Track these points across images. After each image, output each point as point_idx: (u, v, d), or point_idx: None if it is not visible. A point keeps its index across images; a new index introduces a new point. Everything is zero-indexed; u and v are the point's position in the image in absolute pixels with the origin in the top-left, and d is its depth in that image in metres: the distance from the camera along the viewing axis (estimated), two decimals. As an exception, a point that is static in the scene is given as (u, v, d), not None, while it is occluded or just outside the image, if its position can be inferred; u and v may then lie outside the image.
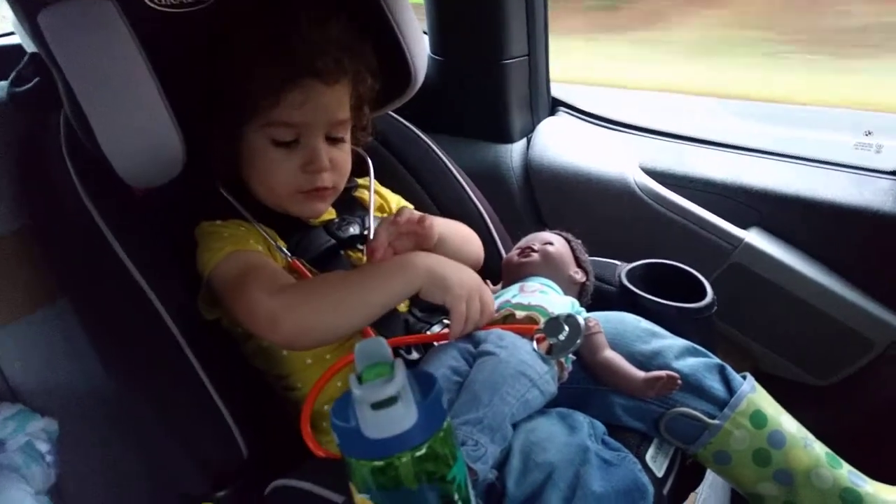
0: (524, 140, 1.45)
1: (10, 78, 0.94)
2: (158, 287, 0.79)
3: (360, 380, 0.53)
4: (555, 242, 0.98)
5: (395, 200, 1.06)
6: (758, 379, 0.88)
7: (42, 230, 0.87)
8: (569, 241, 1.00)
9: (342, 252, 0.93)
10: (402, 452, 0.48)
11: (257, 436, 0.83)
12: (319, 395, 0.82)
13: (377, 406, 0.47)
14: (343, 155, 0.90)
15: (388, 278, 0.79)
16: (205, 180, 0.89)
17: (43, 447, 0.84)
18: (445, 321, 0.87)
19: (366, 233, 0.95)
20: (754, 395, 0.85)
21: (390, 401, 0.47)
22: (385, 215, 1.02)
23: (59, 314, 0.89)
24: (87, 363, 0.87)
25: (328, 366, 0.79)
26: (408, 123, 1.15)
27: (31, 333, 0.89)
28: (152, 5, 0.90)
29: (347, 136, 0.91)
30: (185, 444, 0.79)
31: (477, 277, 0.83)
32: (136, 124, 0.75)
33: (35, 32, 0.73)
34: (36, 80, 0.92)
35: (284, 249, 0.87)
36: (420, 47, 1.04)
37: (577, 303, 0.89)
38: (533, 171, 1.40)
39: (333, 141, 0.88)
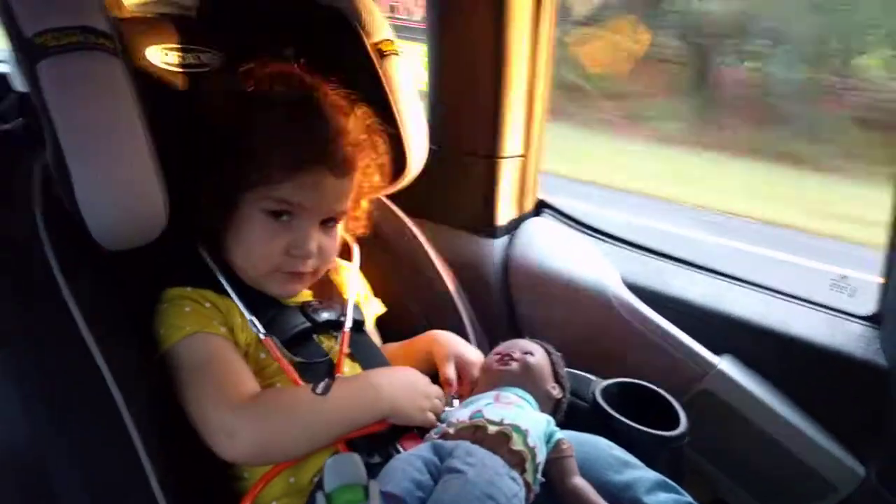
0: (507, 237, 1.45)
1: (-9, 115, 0.91)
2: (111, 357, 0.73)
3: (329, 501, 0.49)
4: (535, 353, 0.95)
5: (375, 302, 1.06)
6: None
7: None
8: (549, 354, 0.98)
9: (315, 336, 0.90)
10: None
11: None
12: (267, 489, 0.78)
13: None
14: (332, 243, 0.89)
15: (357, 410, 0.81)
16: (184, 242, 0.86)
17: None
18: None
19: (342, 319, 0.92)
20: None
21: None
22: (358, 300, 1.00)
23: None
24: (17, 423, 0.80)
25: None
26: (398, 211, 1.14)
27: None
28: (161, 64, 0.89)
29: (341, 225, 0.90)
30: None
31: (421, 382, 0.89)
32: (122, 186, 0.72)
33: (32, 79, 0.70)
34: (19, 119, 0.89)
35: (258, 325, 0.83)
36: (420, 141, 1.05)
37: (552, 421, 0.86)
38: (512, 269, 1.39)
39: (326, 227, 0.87)
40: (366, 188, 0.93)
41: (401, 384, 0.86)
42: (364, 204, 0.96)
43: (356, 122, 0.87)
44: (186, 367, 0.79)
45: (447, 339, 1.02)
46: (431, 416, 0.87)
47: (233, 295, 0.84)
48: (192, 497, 0.77)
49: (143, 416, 0.74)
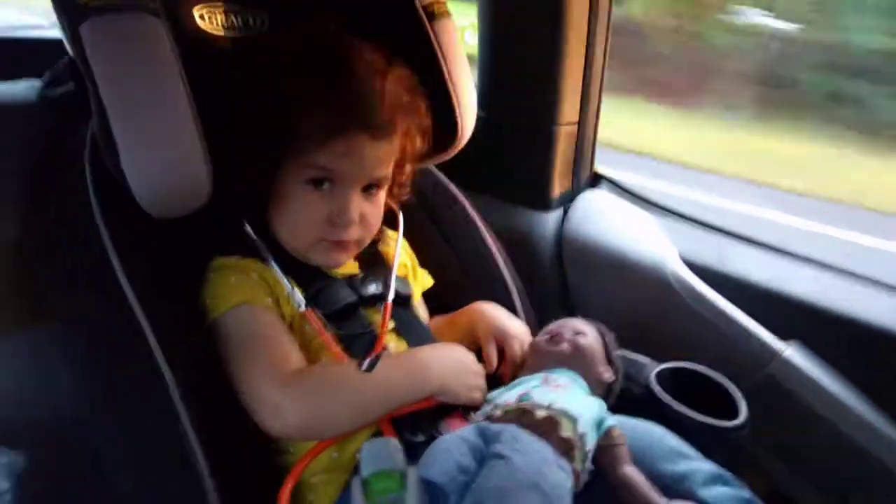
0: (561, 210, 1.39)
1: (44, 79, 0.91)
2: (159, 329, 0.73)
3: (365, 487, 0.46)
4: (588, 334, 0.91)
5: (422, 275, 1.03)
6: (777, 503, 0.80)
7: (44, 245, 0.82)
8: (602, 335, 0.93)
9: (361, 310, 0.88)
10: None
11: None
12: (310, 464, 0.77)
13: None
14: (375, 210, 0.87)
15: (404, 388, 0.79)
16: (229, 214, 0.85)
17: (3, 484, 0.77)
18: None
19: (386, 292, 0.90)
20: (784, 539, 0.76)
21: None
22: (407, 273, 0.98)
23: (45, 338, 0.83)
24: (65, 395, 0.81)
25: None
26: (446, 180, 1.10)
27: (11, 355, 0.83)
28: (203, 26, 0.86)
29: (384, 191, 0.87)
30: (154, 499, 0.71)
31: (470, 360, 0.87)
32: (165, 153, 0.71)
33: (75, 42, 0.69)
34: (70, 84, 0.88)
35: (299, 296, 0.82)
36: (470, 103, 1.00)
37: (604, 406, 0.82)
38: (566, 245, 1.34)
39: (368, 194, 0.85)
40: (409, 152, 0.89)
41: (449, 362, 0.84)
42: (408, 169, 0.93)
43: (395, 83, 0.83)
44: (233, 339, 0.78)
45: (491, 313, 0.98)
46: (479, 395, 0.85)
47: (275, 267, 0.83)
48: (235, 470, 0.76)
49: (189, 387, 0.74)
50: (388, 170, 0.86)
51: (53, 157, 0.84)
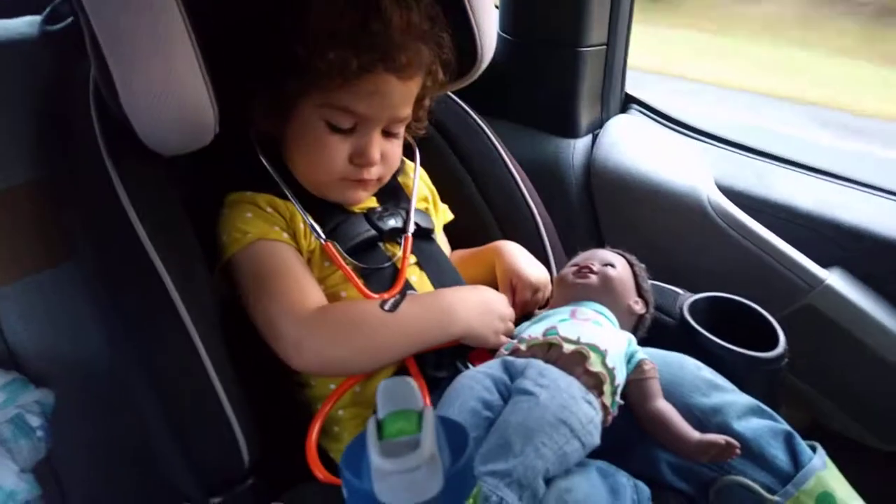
0: (590, 137, 1.33)
1: (45, 14, 0.87)
2: (172, 264, 0.72)
3: (380, 428, 0.44)
4: (616, 265, 0.87)
5: (443, 209, 0.99)
6: (816, 434, 0.78)
7: (57, 185, 0.81)
8: (631, 265, 0.89)
9: (381, 244, 0.85)
10: (419, 524, 0.40)
11: (261, 440, 0.76)
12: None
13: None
14: (396, 149, 0.83)
15: (428, 331, 0.77)
16: (243, 148, 0.82)
17: (34, 421, 0.79)
18: None
19: (406, 225, 0.87)
20: (824, 472, 0.74)
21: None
22: (427, 207, 0.95)
23: (66, 278, 0.83)
24: (92, 333, 0.81)
25: None
26: (466, 107, 1.05)
27: (35, 295, 0.83)
28: None
29: (403, 130, 0.84)
30: (181, 440, 0.71)
31: (497, 303, 0.84)
32: (164, 87, 0.67)
33: None
34: (70, 19, 0.85)
35: (320, 231, 0.80)
36: (490, 25, 0.93)
37: (633, 340, 0.79)
38: (595, 173, 1.28)
39: (388, 134, 0.81)
40: (430, 88, 0.84)
41: (475, 306, 0.81)
42: (427, 103, 0.89)
43: (420, 15, 0.78)
44: (250, 275, 0.77)
45: (511, 256, 0.94)
46: (505, 338, 0.82)
47: (295, 202, 0.81)
48: (258, 402, 0.77)
49: (207, 321, 0.73)
50: (410, 109, 0.82)
51: (58, 95, 0.82)
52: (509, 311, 0.85)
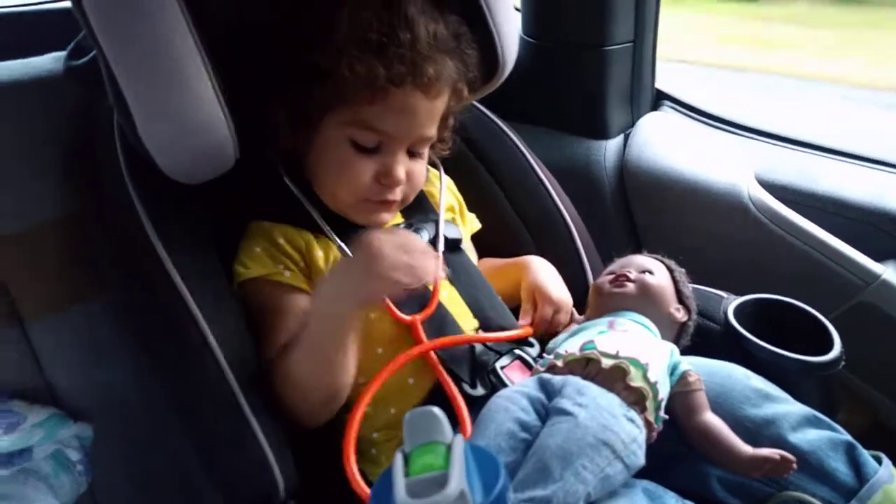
0: (621, 137, 1.29)
1: (69, 49, 0.88)
2: (200, 297, 0.72)
3: (406, 463, 0.43)
4: (655, 271, 0.84)
5: (470, 218, 0.97)
6: (877, 437, 0.74)
7: (85, 220, 0.81)
8: (671, 270, 0.86)
9: None
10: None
11: (297, 466, 0.74)
12: (370, 421, 0.76)
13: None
14: (420, 168, 0.82)
15: (323, 326, 0.71)
16: (267, 171, 0.81)
17: (74, 455, 0.80)
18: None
19: (436, 240, 0.85)
20: (892, 485, 0.69)
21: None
22: (454, 217, 0.93)
23: (100, 311, 0.84)
24: (126, 365, 0.81)
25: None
26: (491, 114, 1.03)
27: (69, 330, 0.84)
28: None
29: (427, 150, 0.82)
30: (212, 467, 0.71)
31: (366, 251, 0.68)
32: (182, 118, 0.67)
33: (77, 8, 0.65)
34: (93, 52, 0.85)
35: (348, 252, 0.78)
36: (511, 30, 0.91)
37: (676, 351, 0.75)
38: (629, 174, 1.24)
39: (413, 154, 0.80)
40: (455, 106, 0.83)
41: (338, 273, 0.73)
42: (451, 122, 0.86)
43: (447, 29, 0.76)
44: (248, 306, 0.78)
45: (536, 272, 0.91)
46: (404, 276, 0.66)
47: (322, 223, 0.80)
48: (290, 427, 0.75)
49: (234, 350, 0.73)
50: (435, 128, 0.80)
51: (83, 130, 0.82)
52: (401, 241, 0.69)
